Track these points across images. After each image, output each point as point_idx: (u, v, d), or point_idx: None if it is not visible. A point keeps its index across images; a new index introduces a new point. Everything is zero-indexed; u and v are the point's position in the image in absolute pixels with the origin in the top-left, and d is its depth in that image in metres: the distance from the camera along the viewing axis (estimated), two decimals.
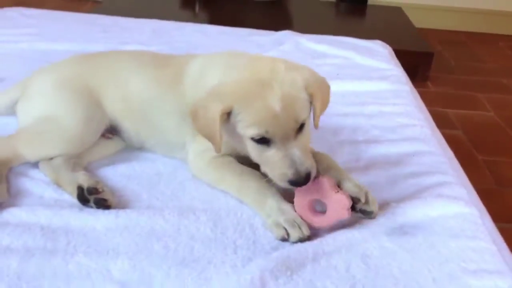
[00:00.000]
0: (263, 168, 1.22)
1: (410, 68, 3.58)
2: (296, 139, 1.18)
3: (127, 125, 1.41)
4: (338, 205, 1.19)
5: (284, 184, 1.18)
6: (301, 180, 1.16)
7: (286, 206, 1.21)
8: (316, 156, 1.28)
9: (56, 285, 1.02)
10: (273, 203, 1.21)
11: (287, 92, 1.16)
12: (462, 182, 1.47)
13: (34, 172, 1.33)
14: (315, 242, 1.16)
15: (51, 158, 1.31)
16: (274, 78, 1.17)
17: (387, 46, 2.41)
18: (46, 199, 1.25)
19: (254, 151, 1.21)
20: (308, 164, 1.17)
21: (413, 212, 1.28)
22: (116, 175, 1.36)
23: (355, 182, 1.23)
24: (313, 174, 1.18)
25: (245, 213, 1.25)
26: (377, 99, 1.87)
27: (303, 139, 1.20)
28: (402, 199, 1.33)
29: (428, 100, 3.33)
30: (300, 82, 1.19)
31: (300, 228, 1.17)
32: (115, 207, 1.23)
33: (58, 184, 1.27)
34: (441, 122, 2.86)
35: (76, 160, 1.33)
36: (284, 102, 1.14)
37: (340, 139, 1.59)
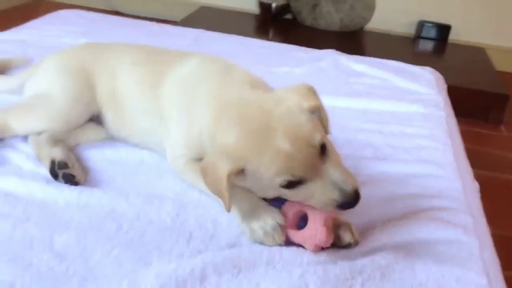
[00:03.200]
0: (307, 203, 1.09)
1: (483, 109, 3.38)
2: (325, 162, 1.06)
3: (110, 118, 1.41)
4: (312, 237, 1.07)
5: (335, 211, 1.06)
6: (351, 199, 1.03)
7: (260, 209, 1.12)
8: None
9: None
10: (246, 206, 1.14)
11: (289, 124, 1.05)
12: (473, 213, 1.32)
13: (22, 146, 1.35)
14: (275, 248, 1.08)
15: (40, 134, 1.33)
16: (269, 118, 1.07)
17: (437, 73, 2.27)
18: (23, 171, 1.26)
19: (290, 195, 1.08)
20: (352, 182, 1.05)
21: (398, 232, 1.16)
22: (99, 158, 1.35)
23: (354, 233, 1.12)
24: (360, 191, 1.05)
25: (214, 209, 1.19)
26: (402, 120, 1.75)
27: (332, 158, 1.08)
28: (392, 219, 1.22)
29: (499, 144, 3.09)
30: (295, 105, 1.10)
31: (273, 236, 1.09)
32: (83, 185, 1.22)
33: (38, 158, 1.28)
34: (507, 168, 2.63)
35: (63, 138, 1.34)
36: (290, 136, 1.03)
37: (344, 153, 1.48)
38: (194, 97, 1.25)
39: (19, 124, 1.34)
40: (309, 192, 1.06)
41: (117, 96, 1.39)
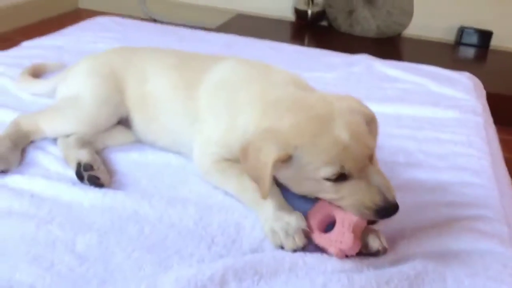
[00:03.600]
0: (340, 203, 1.07)
1: None
2: (372, 165, 1.07)
3: (138, 121, 1.41)
4: (337, 241, 1.04)
5: (371, 215, 1.04)
6: (392, 207, 1.02)
7: (283, 211, 1.10)
8: None
9: (18, 246, 1.03)
10: (269, 207, 1.12)
11: (350, 119, 1.07)
12: (510, 223, 1.26)
13: (52, 148, 1.37)
14: (298, 254, 1.05)
15: (68, 136, 1.34)
16: (331, 109, 1.09)
17: (475, 79, 2.20)
18: (50, 172, 1.27)
19: (330, 190, 1.06)
20: (393, 192, 1.05)
21: (428, 241, 1.12)
22: (126, 161, 1.35)
23: (382, 241, 1.08)
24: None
25: (238, 212, 1.17)
26: (437, 125, 1.69)
27: (377, 167, 1.10)
28: (423, 227, 1.17)
29: None
30: (356, 106, 1.13)
31: (294, 237, 1.06)
32: (107, 187, 1.22)
33: (66, 160, 1.29)
34: None
35: (91, 140, 1.35)
36: (350, 130, 1.05)
37: (378, 159, 1.44)
38: (236, 102, 1.24)
39: (49, 126, 1.36)
40: (351, 190, 1.04)
41: (147, 100, 1.39)
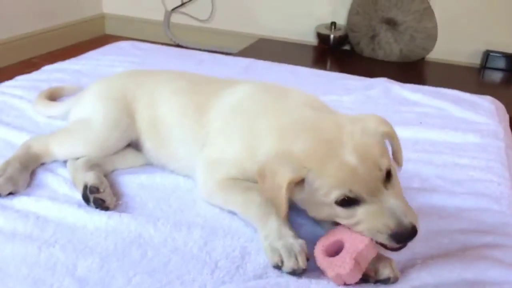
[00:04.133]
0: (357, 228, 1.03)
1: None
2: (388, 188, 1.03)
3: (149, 145, 1.40)
4: (337, 266, 1.00)
5: (386, 240, 1.00)
6: (407, 232, 0.98)
7: (288, 231, 1.08)
8: None
9: (19, 268, 1.03)
10: (273, 223, 1.09)
11: (360, 142, 1.05)
12: None
13: (61, 170, 1.37)
14: (303, 280, 1.01)
15: (78, 159, 1.34)
16: (342, 133, 1.07)
17: (498, 102, 2.14)
18: (58, 194, 1.27)
19: (343, 215, 1.04)
20: (412, 216, 1.00)
21: (441, 270, 1.07)
22: (134, 183, 1.35)
23: (394, 268, 1.04)
24: (418, 227, 1.00)
25: (244, 237, 1.15)
26: (456, 150, 1.64)
27: (395, 188, 1.06)
28: (435, 255, 1.13)
29: None
30: (371, 127, 1.09)
31: (296, 258, 1.03)
32: (113, 210, 1.21)
33: (74, 182, 1.29)
34: None
35: (100, 163, 1.35)
36: (359, 153, 1.02)
37: None
38: (254, 128, 1.22)
39: (59, 148, 1.36)
40: (364, 214, 1.01)
41: (157, 124, 1.39)
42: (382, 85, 2.19)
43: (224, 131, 1.29)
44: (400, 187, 1.08)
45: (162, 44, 3.38)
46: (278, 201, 1.06)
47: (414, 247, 1.14)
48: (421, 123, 1.82)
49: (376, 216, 1.00)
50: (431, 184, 1.43)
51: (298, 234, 1.09)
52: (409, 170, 1.49)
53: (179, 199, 1.29)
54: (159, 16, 4.40)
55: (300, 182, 1.05)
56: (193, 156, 1.33)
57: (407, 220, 0.99)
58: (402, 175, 1.46)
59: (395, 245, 1.00)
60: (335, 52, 4.32)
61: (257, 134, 1.21)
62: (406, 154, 1.57)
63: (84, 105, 1.44)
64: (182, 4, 4.28)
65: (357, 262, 0.98)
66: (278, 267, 1.04)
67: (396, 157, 1.14)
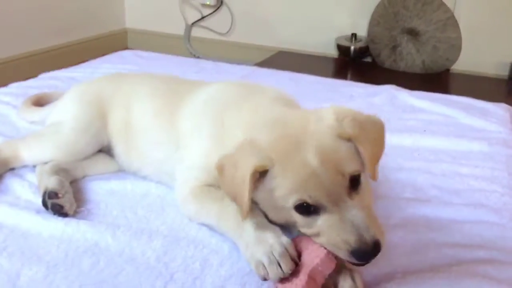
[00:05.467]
0: (318, 240, 0.94)
1: None
2: (353, 198, 0.93)
3: (120, 149, 1.34)
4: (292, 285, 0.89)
5: (347, 257, 0.90)
6: (368, 249, 0.88)
7: (266, 233, 0.96)
8: None
9: None
10: (250, 229, 0.98)
11: (323, 144, 0.95)
12: None
13: (31, 176, 1.31)
14: None
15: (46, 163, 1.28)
16: (306, 131, 0.97)
17: None
18: (20, 200, 1.21)
19: (303, 224, 0.95)
20: (376, 231, 0.90)
21: (421, 287, 0.95)
22: (102, 190, 1.28)
23: (356, 282, 0.93)
24: (383, 244, 0.90)
25: (208, 247, 1.06)
26: (458, 158, 1.52)
27: (362, 198, 0.95)
28: (417, 270, 1.02)
29: None
30: (335, 129, 0.97)
31: (278, 264, 0.91)
32: (73, 216, 1.14)
33: (39, 188, 1.23)
34: None
35: (69, 168, 1.28)
36: (321, 156, 0.92)
37: (379, 192, 1.29)
38: (222, 123, 1.16)
39: (27, 153, 1.31)
40: (323, 225, 0.91)
41: (130, 127, 1.33)
42: (388, 92, 2.09)
43: (195, 129, 1.22)
44: (370, 198, 0.98)
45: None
46: (240, 195, 0.95)
47: (394, 260, 1.04)
48: (425, 131, 1.70)
49: (335, 229, 0.90)
50: (425, 194, 1.32)
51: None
52: (403, 179, 1.38)
53: (147, 206, 1.21)
54: (180, 30, 4.40)
55: (261, 178, 0.95)
56: (166, 160, 1.26)
57: (369, 236, 0.88)
58: (395, 184, 1.36)
59: (356, 262, 0.90)
60: (356, 64, 4.21)
61: (225, 128, 1.14)
62: (402, 162, 1.49)
63: (58, 109, 1.39)
64: (202, 18, 4.27)
65: (311, 278, 0.87)
66: (265, 279, 0.93)
67: (365, 162, 0.98)
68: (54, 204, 1.13)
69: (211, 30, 4.34)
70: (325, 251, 0.89)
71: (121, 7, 4.46)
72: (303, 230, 0.95)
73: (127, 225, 1.13)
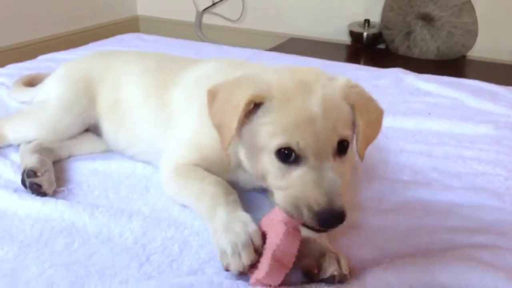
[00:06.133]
0: (285, 194, 0.89)
1: None
2: (335, 161, 0.89)
3: (108, 127, 1.30)
4: (255, 270, 0.84)
5: (308, 219, 0.84)
6: (335, 215, 0.83)
7: (235, 221, 0.91)
8: None
9: None
10: (222, 215, 0.93)
11: (330, 98, 0.92)
12: None
13: (15, 156, 1.27)
14: (240, 282, 0.86)
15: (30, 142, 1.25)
16: (316, 81, 0.94)
17: None
18: (0, 179, 1.17)
19: (278, 173, 0.90)
20: (343, 200, 0.86)
21: (412, 273, 0.89)
22: (86, 169, 1.24)
23: (341, 264, 0.87)
24: (347, 217, 0.85)
25: (190, 229, 1.02)
26: (462, 141, 1.45)
27: (343, 165, 0.91)
28: (407, 254, 0.96)
29: None
30: (343, 91, 0.95)
31: (240, 255, 0.86)
32: (53, 196, 1.10)
33: (20, 167, 1.19)
34: None
35: (53, 147, 1.25)
36: (325, 108, 0.90)
37: (375, 174, 1.24)
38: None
39: (12, 132, 1.27)
40: (297, 179, 0.88)
41: (120, 106, 1.28)
42: (394, 75, 2.01)
43: (186, 106, 1.17)
44: (349, 167, 0.94)
45: None
46: (228, 123, 0.92)
47: (383, 244, 0.98)
48: (429, 113, 1.63)
49: (309, 185, 0.86)
50: (424, 177, 1.25)
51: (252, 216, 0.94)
52: (402, 161, 1.31)
53: (130, 186, 1.17)
54: (191, 17, 4.36)
55: (254, 110, 0.92)
56: (155, 140, 1.21)
57: (339, 202, 0.83)
58: (393, 167, 1.30)
59: (316, 227, 0.84)
60: (369, 51, 4.11)
61: None
62: (403, 145, 1.42)
63: (44, 87, 1.35)
64: (213, 5, 4.21)
65: (276, 260, 0.81)
66: (227, 270, 0.87)
67: (358, 144, 0.96)
68: (32, 183, 1.09)
69: (222, 16, 4.28)
70: (284, 227, 0.83)
71: None
72: (273, 181, 0.91)
73: (108, 205, 1.08)
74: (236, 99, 0.91)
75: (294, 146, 0.87)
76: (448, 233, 1.03)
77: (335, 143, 0.89)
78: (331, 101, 0.91)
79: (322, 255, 0.87)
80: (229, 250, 0.86)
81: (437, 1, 3.59)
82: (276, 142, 0.88)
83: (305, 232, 0.88)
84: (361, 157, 0.97)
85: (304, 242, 0.89)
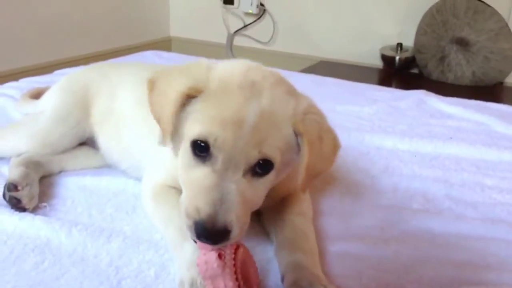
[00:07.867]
0: (182, 195, 0.85)
1: None
2: (245, 178, 0.81)
3: (101, 139, 1.25)
4: None
5: (187, 227, 0.79)
6: (209, 228, 0.75)
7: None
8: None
9: None
10: (188, 251, 0.86)
11: (275, 112, 0.83)
12: None
13: (5, 168, 1.23)
14: None
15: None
16: (268, 90, 0.84)
17: None
18: None
19: (184, 163, 0.84)
20: (232, 217, 0.77)
21: None
22: (75, 185, 1.18)
23: None
24: (233, 236, 0.77)
25: (170, 252, 0.94)
26: (484, 169, 1.34)
27: (254, 186, 0.83)
28: None
29: None
30: (293, 117, 0.84)
31: None
32: (33, 212, 1.05)
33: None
34: None
35: (44, 161, 1.20)
36: (260, 120, 0.81)
37: (382, 201, 1.14)
38: None
39: (3, 142, 1.24)
40: (196, 178, 0.81)
41: (112, 117, 1.24)
42: (416, 96, 1.91)
43: None
44: (261, 195, 0.85)
45: None
46: (164, 115, 0.85)
47: (380, 277, 0.88)
48: (451, 138, 1.52)
49: (202, 190, 0.78)
50: (436, 206, 1.15)
51: None
52: (414, 187, 1.21)
53: (117, 205, 1.11)
54: (222, 39, 4.36)
55: (188, 101, 0.84)
56: (144, 154, 1.15)
57: (222, 218, 0.75)
58: (403, 193, 1.20)
59: (192, 236, 0.78)
60: (401, 75, 4.00)
61: None
62: (417, 170, 1.32)
63: (44, 98, 1.32)
64: (245, 27, 4.21)
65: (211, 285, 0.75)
66: None
67: (300, 171, 0.85)
68: (11, 197, 1.04)
69: (253, 39, 4.27)
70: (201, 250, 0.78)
71: (166, 16, 4.48)
72: (181, 171, 0.85)
73: (88, 223, 1.02)
74: (171, 90, 0.85)
75: (211, 140, 0.79)
76: (455, 268, 0.92)
77: (252, 160, 0.80)
78: (271, 118, 0.82)
79: (310, 284, 0.79)
80: (187, 285, 0.81)
81: (473, 25, 3.46)
82: (196, 130, 0.81)
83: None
84: (303, 189, 0.87)
85: (295, 268, 0.83)
